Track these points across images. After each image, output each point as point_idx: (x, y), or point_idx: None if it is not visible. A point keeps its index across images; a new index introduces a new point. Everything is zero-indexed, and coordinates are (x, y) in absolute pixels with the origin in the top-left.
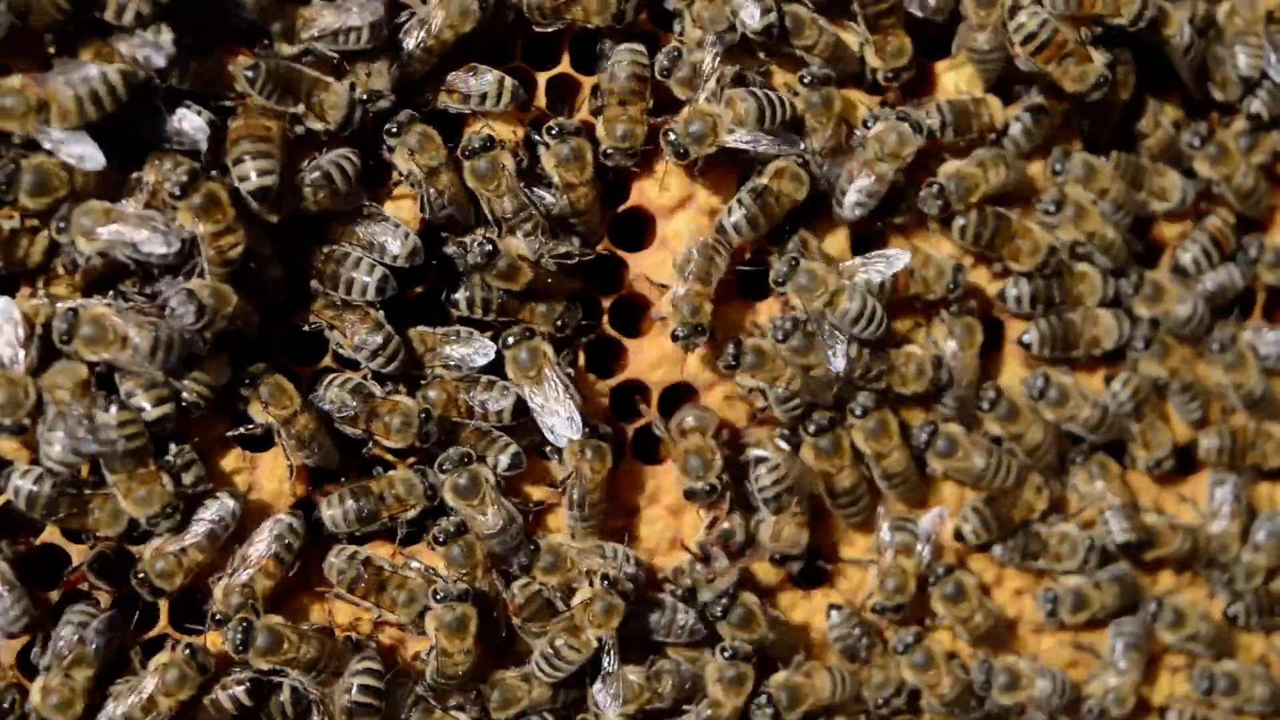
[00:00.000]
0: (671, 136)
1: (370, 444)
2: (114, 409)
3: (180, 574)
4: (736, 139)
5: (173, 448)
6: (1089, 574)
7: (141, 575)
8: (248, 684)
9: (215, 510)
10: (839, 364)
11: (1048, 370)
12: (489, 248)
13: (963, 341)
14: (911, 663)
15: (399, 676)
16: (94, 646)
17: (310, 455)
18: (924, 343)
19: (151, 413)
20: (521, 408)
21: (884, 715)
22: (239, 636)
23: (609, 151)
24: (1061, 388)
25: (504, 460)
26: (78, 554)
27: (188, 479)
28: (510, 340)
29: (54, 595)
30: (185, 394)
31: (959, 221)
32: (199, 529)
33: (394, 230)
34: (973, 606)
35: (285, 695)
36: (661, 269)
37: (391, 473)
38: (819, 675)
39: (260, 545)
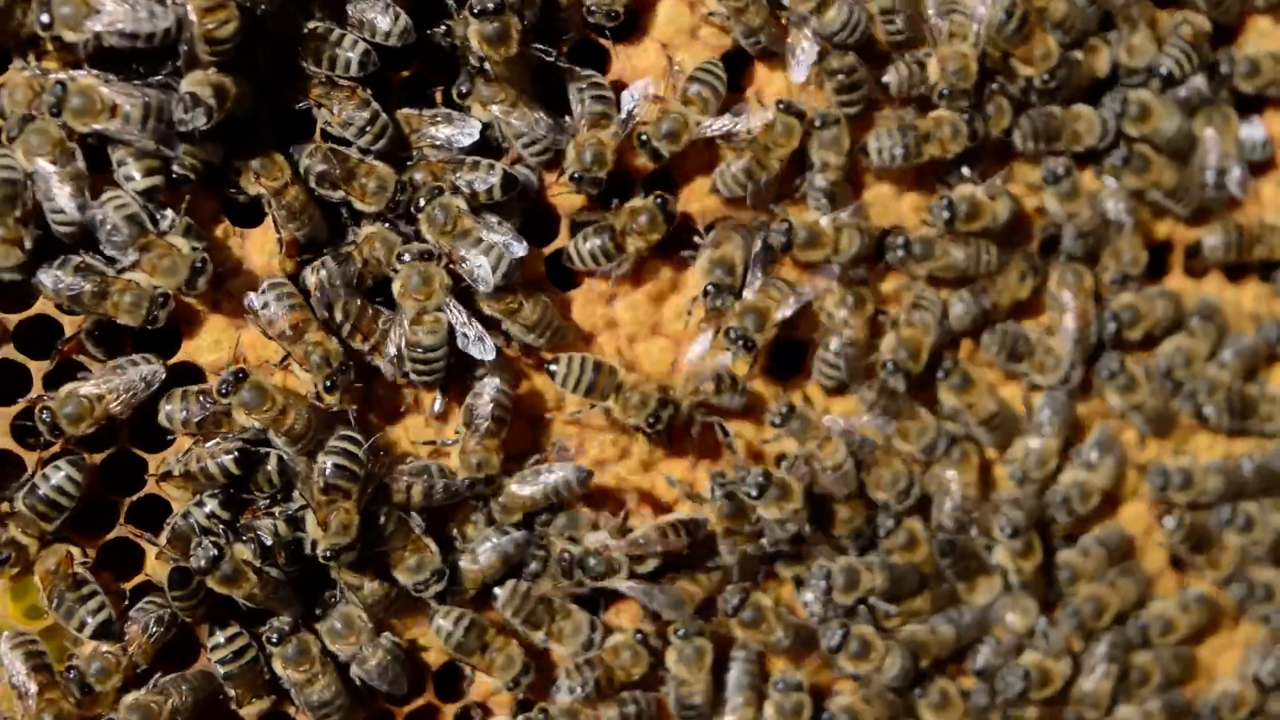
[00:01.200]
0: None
1: (348, 212)
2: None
3: (88, 420)
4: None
5: (165, 216)
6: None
7: (47, 414)
8: (236, 453)
9: (142, 370)
10: (799, 74)
11: (1068, 161)
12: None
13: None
14: (951, 385)
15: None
16: (49, 509)
17: (300, 227)
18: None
19: (141, 183)
20: (510, 183)
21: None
22: (228, 381)
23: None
24: (1075, 181)
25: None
26: (71, 326)
27: (195, 242)
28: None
29: (48, 365)
30: (176, 166)
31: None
32: (120, 384)
33: (384, 9)
34: (981, 392)
35: (272, 465)
36: (642, 55)
37: (367, 230)
38: None
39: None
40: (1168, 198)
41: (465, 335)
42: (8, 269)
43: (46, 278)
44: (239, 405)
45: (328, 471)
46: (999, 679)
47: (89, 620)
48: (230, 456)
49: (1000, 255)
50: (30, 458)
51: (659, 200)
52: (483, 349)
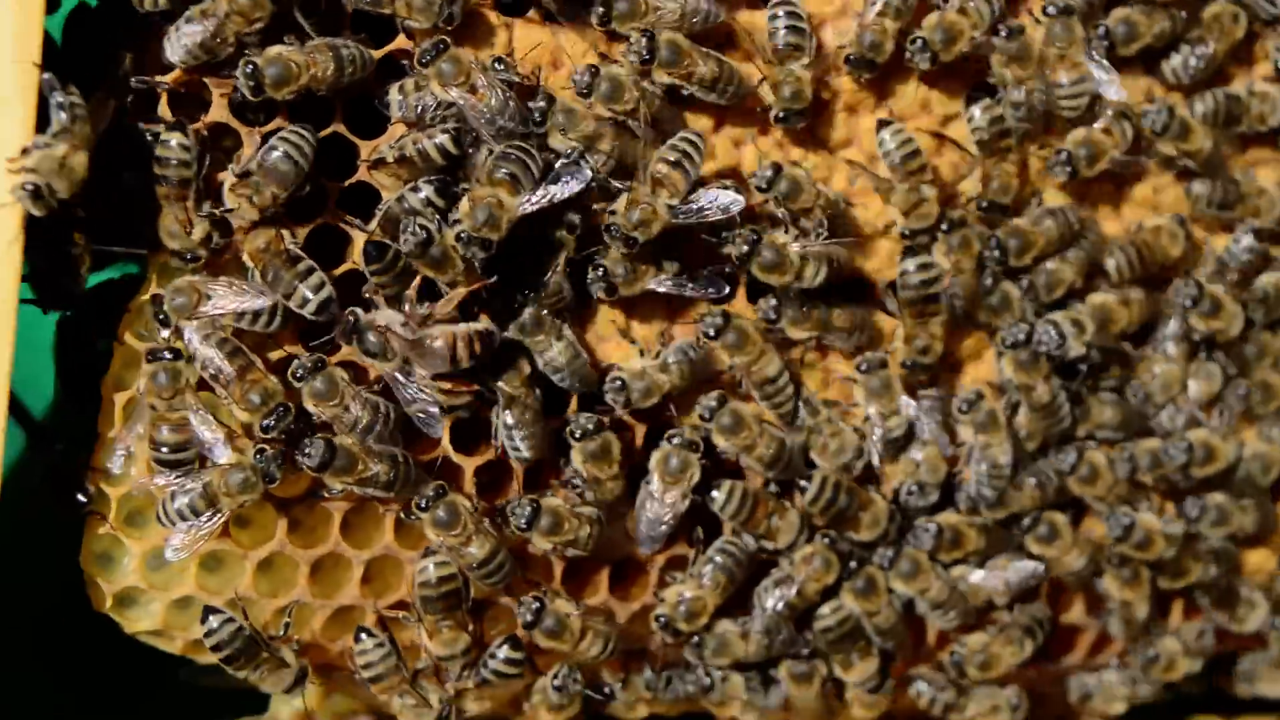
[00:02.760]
0: None
1: None
2: None
3: (291, 86)
4: None
5: None
6: None
7: (251, 69)
8: (452, 132)
9: (354, 52)
10: None
11: None
12: None
13: None
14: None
15: None
16: (290, 168)
17: None
18: None
19: None
20: None
21: None
22: (428, 51)
23: None
24: None
25: None
26: None
27: None
28: None
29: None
30: None
31: None
32: (329, 60)
33: None
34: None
35: (482, 154)
36: None
37: None
38: None
39: None
40: None
41: None
42: None
43: None
44: (435, 76)
45: (506, 153)
46: (1164, 450)
47: (309, 296)
48: (447, 136)
49: None
50: (246, 133)
51: None
52: None
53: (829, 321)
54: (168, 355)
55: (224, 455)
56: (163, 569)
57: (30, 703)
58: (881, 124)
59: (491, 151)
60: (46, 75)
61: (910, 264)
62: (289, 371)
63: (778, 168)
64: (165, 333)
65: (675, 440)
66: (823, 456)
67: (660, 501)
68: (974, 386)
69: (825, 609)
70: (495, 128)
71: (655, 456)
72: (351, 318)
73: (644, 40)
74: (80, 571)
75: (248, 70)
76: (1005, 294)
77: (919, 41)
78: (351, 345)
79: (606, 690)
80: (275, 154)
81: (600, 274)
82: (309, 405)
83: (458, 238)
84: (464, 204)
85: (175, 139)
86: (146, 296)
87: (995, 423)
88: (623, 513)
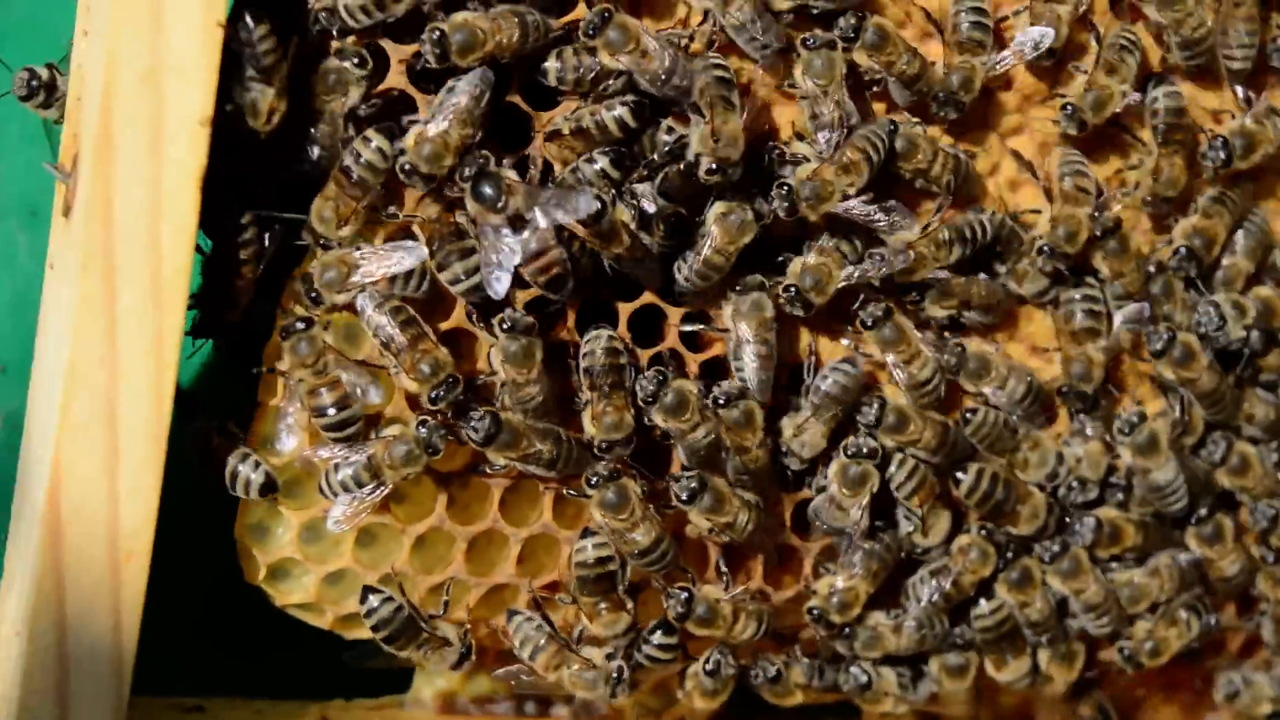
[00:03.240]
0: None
1: None
2: None
3: (477, 53)
4: None
5: None
6: None
7: (438, 34)
8: (632, 105)
9: (537, 18)
10: None
11: None
12: None
13: None
14: None
15: None
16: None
17: None
18: None
19: None
20: None
21: None
22: (594, 22)
23: None
24: None
25: None
26: None
27: None
28: None
29: None
30: None
31: None
32: (514, 25)
33: None
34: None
35: (664, 130)
36: None
37: None
38: None
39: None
40: None
41: None
42: None
43: None
44: (604, 45)
45: (722, 79)
46: None
47: (461, 276)
48: (627, 109)
49: None
50: (423, 100)
51: None
52: None
53: (970, 297)
54: (300, 325)
55: (377, 396)
56: (317, 542)
57: (175, 672)
58: (1065, 139)
59: (704, 69)
60: (245, 19)
61: (1075, 292)
62: (496, 320)
63: (894, 125)
64: (319, 309)
65: (850, 451)
66: (1026, 472)
67: (840, 508)
68: (1135, 408)
69: (985, 607)
70: (670, 88)
71: (834, 467)
72: (483, 159)
73: (852, 19)
74: (232, 543)
75: (434, 36)
76: (1168, 285)
77: (1068, 108)
78: (466, 184)
79: (773, 674)
80: (454, 94)
81: (793, 292)
82: (498, 364)
83: (696, 162)
84: (695, 136)
85: (377, 142)
86: (312, 264)
87: (1156, 446)
88: (776, 501)
